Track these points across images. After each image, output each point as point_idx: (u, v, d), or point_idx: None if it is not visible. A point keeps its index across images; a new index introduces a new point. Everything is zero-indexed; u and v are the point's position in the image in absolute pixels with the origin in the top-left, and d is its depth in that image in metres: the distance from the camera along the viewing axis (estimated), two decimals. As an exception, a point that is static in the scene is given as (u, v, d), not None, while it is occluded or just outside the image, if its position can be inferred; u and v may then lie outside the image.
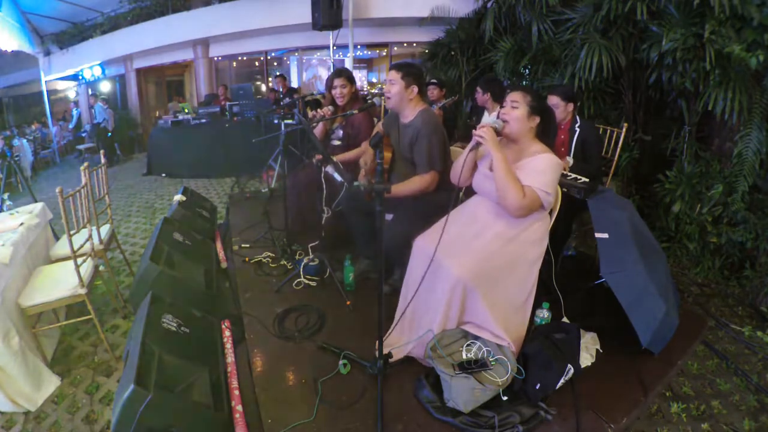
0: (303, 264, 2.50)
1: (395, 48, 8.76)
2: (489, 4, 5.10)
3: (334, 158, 2.31)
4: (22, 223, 2.55)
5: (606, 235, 1.95)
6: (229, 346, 1.94)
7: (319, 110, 2.81)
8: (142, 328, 1.60)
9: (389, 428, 1.51)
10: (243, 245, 2.98)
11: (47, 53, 9.61)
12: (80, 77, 9.55)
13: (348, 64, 7.28)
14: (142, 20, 8.81)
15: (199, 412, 1.47)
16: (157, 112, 10.33)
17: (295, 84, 9.08)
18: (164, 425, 1.35)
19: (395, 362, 1.78)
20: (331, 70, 3.41)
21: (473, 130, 1.79)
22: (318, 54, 9.41)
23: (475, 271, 1.65)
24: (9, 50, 8.41)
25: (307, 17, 6.36)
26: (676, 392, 2.08)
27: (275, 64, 10.01)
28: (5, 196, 4.26)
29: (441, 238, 1.68)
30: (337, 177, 2.18)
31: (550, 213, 1.89)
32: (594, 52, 3.51)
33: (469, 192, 2.02)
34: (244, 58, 9.84)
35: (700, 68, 3.01)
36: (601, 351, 1.88)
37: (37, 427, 1.95)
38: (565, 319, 2.04)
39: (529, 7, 4.38)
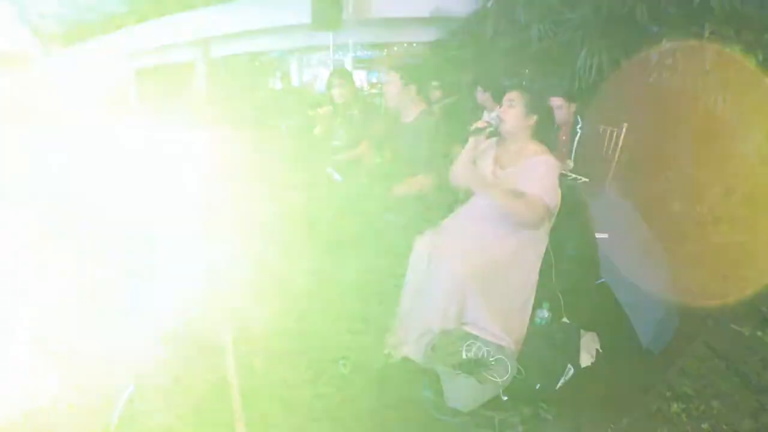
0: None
1: (395, 48, 8.74)
2: (489, 4, 5.09)
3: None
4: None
5: (606, 235, 1.95)
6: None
7: (318, 110, 2.81)
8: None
9: (389, 428, 1.51)
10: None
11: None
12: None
13: (348, 64, 7.27)
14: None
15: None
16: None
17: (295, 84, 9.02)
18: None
19: (395, 362, 1.78)
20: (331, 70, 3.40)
21: (470, 128, 1.81)
22: (318, 54, 9.37)
23: (475, 271, 1.65)
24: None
25: (307, 17, 6.35)
26: (676, 392, 2.08)
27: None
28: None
29: (441, 238, 1.68)
30: (337, 176, 2.17)
31: (550, 213, 1.89)
32: (594, 52, 3.50)
33: (469, 192, 2.02)
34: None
35: (700, 68, 3.00)
36: (600, 351, 1.88)
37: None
38: (565, 319, 2.04)
39: (529, 7, 4.37)
